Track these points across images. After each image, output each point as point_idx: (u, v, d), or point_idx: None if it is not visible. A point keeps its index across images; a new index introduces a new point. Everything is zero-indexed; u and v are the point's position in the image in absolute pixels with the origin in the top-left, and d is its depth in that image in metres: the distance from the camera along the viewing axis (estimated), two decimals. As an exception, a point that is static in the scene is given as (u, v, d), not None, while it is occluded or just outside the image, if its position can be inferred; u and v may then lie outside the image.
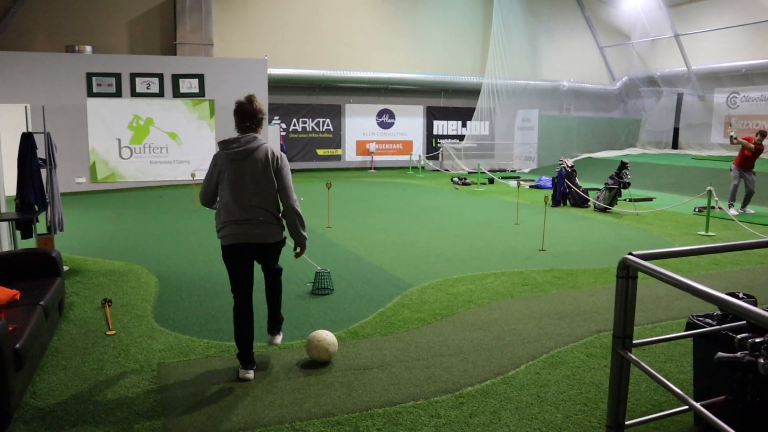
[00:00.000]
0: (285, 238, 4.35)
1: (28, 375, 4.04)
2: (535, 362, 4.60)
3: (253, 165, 4.10)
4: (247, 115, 4.18)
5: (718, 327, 3.24)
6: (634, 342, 2.75)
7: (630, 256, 2.59)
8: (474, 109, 23.51)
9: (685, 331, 3.67)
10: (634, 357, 2.63)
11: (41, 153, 7.23)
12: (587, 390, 4.11)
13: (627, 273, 2.64)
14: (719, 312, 3.56)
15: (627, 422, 2.87)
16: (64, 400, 3.90)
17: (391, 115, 23.50)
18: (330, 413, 3.75)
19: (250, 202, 4.10)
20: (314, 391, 4.05)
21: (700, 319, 3.57)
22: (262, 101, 4.34)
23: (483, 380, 4.26)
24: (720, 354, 2.76)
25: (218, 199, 4.26)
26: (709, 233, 10.04)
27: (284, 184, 4.21)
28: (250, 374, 4.23)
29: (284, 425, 3.61)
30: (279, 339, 4.54)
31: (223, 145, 4.17)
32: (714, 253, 2.84)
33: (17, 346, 3.64)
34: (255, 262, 4.37)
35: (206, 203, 4.35)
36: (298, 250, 4.42)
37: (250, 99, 4.20)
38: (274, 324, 4.52)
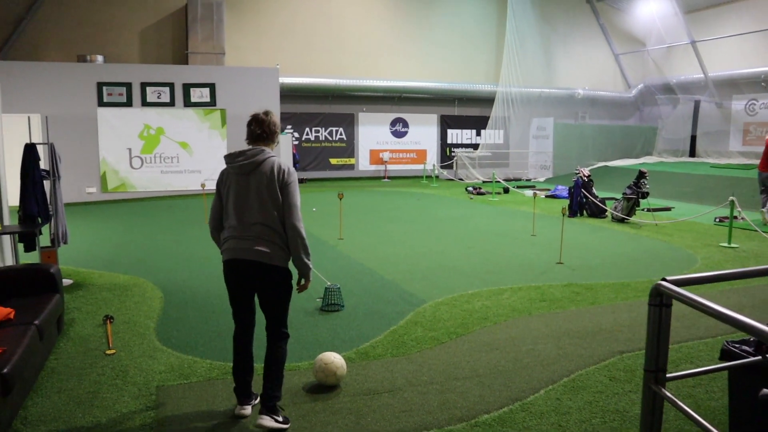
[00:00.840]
0: (291, 274, 3.81)
1: (18, 399, 3.84)
2: (555, 386, 4.33)
3: (258, 179, 3.73)
4: (259, 125, 3.86)
5: (760, 358, 2.96)
6: (667, 375, 2.50)
7: (664, 283, 2.34)
8: (488, 117, 23.26)
9: (720, 358, 3.39)
10: (669, 394, 2.38)
11: (45, 164, 7.09)
12: (611, 418, 3.84)
13: (660, 301, 2.39)
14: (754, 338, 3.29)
15: (660, 464, 2.61)
16: (56, 427, 3.69)
17: (405, 124, 23.30)
18: (336, 444, 3.51)
19: (253, 219, 3.72)
20: (320, 418, 3.81)
21: (736, 345, 3.29)
22: (277, 116, 3.98)
23: (500, 407, 4.00)
24: (765, 391, 2.50)
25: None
26: (732, 245, 9.70)
27: (288, 201, 3.74)
28: (247, 410, 3.88)
29: (287, 457, 3.37)
30: (268, 422, 3.60)
31: (229, 158, 3.85)
32: (755, 277, 2.60)
33: (5, 370, 3.44)
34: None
35: (214, 228, 3.95)
36: (302, 282, 3.85)
37: (266, 112, 3.93)
38: (266, 401, 3.69)
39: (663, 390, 2.39)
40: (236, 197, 3.78)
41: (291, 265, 3.77)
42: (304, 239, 3.74)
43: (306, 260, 3.76)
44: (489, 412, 3.93)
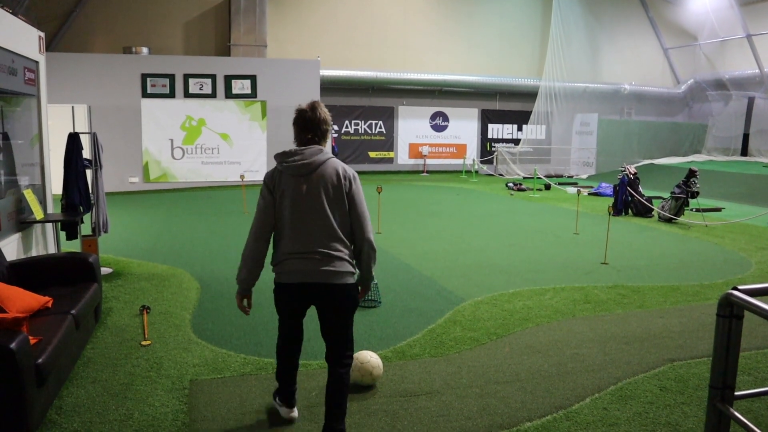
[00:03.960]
0: (357, 287, 3.40)
1: (54, 389, 3.81)
2: (601, 395, 4.11)
3: (319, 182, 3.22)
4: (309, 126, 3.35)
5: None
6: (736, 393, 2.29)
7: (736, 292, 2.13)
8: (530, 112, 22.81)
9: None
10: (737, 414, 2.17)
11: (88, 154, 7.13)
12: (663, 432, 3.62)
13: (731, 312, 2.18)
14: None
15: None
16: (89, 419, 3.65)
17: (445, 118, 23.03)
18: (371, 447, 3.37)
19: (316, 230, 3.21)
20: (355, 420, 3.68)
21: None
22: (324, 108, 3.46)
23: (543, 415, 3.81)
24: None
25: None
26: (789, 249, 9.25)
27: (358, 211, 3.27)
28: (295, 413, 3.64)
29: (320, 460, 3.25)
30: None
31: (281, 157, 3.31)
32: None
33: (39, 360, 3.40)
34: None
35: (259, 238, 3.34)
36: (359, 290, 3.45)
37: (312, 106, 3.39)
38: None
39: (731, 410, 2.19)
40: (293, 203, 3.22)
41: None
42: (375, 252, 3.35)
43: (372, 273, 3.42)
44: (531, 419, 3.74)
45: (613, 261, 8.21)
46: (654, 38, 25.52)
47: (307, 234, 3.22)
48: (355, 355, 4.16)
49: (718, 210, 13.71)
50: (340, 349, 3.36)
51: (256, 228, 3.33)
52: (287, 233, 3.25)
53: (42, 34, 6.94)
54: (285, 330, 3.54)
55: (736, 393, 2.26)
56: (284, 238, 3.27)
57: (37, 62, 6.78)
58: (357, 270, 3.38)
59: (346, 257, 3.27)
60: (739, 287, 2.16)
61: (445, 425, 3.65)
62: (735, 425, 3.50)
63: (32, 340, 3.53)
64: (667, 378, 4.41)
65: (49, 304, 4.39)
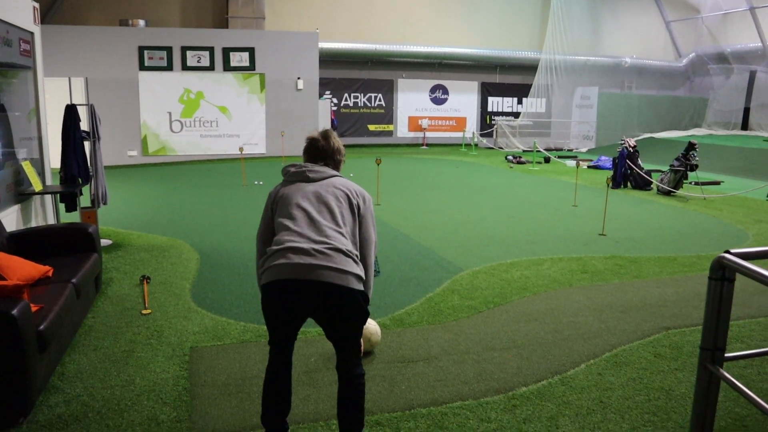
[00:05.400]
0: (368, 298, 2.93)
1: (56, 355, 3.86)
2: (596, 361, 4.17)
3: (329, 187, 2.93)
4: (321, 155, 3.06)
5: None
6: (726, 355, 2.32)
7: (728, 255, 2.15)
8: (530, 85, 22.68)
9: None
10: (727, 375, 2.21)
11: (85, 126, 7.11)
12: (656, 397, 3.67)
13: (723, 274, 2.21)
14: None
15: (712, 447, 2.45)
16: (92, 384, 3.70)
17: (445, 91, 22.90)
18: (370, 411, 3.42)
19: (320, 220, 2.82)
20: (353, 385, 3.73)
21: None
22: (340, 141, 3.18)
23: (539, 380, 3.87)
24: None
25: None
26: (786, 221, 9.28)
27: (365, 234, 2.96)
28: None
29: (319, 423, 3.31)
30: None
31: (289, 167, 3.05)
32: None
33: (41, 328, 3.44)
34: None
35: (263, 251, 2.98)
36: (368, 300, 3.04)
37: (325, 135, 3.10)
38: None
39: (720, 370, 2.23)
40: (296, 201, 2.88)
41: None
42: (372, 281, 3.02)
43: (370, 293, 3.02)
44: (527, 384, 3.80)
45: (611, 232, 8.25)
46: (656, 11, 25.26)
47: (309, 227, 2.80)
48: (354, 322, 4.19)
49: (717, 183, 13.71)
50: (349, 357, 2.92)
51: (259, 251, 3.03)
52: (284, 226, 2.84)
53: (36, 5, 6.88)
54: (279, 342, 2.91)
55: (726, 355, 2.30)
56: (280, 231, 2.86)
57: (32, 33, 6.72)
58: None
59: (353, 256, 2.80)
60: (732, 250, 2.19)
61: (442, 390, 3.71)
62: (725, 390, 3.57)
63: (33, 308, 3.57)
64: (661, 345, 4.46)
65: (50, 274, 4.42)
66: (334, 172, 3.03)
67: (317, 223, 2.80)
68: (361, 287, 2.81)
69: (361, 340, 4.07)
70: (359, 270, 2.82)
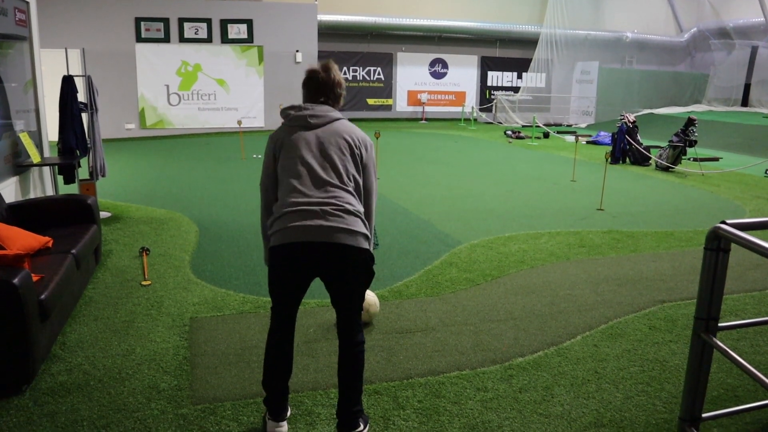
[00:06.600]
0: (373, 257, 2.91)
1: (57, 325, 3.89)
2: (592, 333, 4.22)
3: (332, 136, 2.83)
4: (321, 89, 2.93)
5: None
6: (719, 325, 2.36)
7: (724, 226, 2.18)
8: (530, 60, 22.51)
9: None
10: (720, 343, 2.25)
11: (82, 97, 7.07)
12: (650, 368, 3.72)
13: (718, 245, 2.24)
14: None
15: (704, 415, 2.50)
16: (93, 353, 3.74)
17: (444, 65, 22.73)
18: (368, 380, 3.48)
19: (326, 179, 2.76)
20: (352, 355, 3.78)
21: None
22: (340, 72, 3.03)
23: (535, 351, 3.92)
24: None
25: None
26: (784, 197, 9.31)
27: (366, 184, 2.92)
28: (284, 427, 2.97)
29: (318, 392, 3.36)
30: None
31: (288, 110, 2.92)
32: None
33: (42, 297, 3.47)
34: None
35: (268, 200, 2.93)
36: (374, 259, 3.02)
37: (326, 67, 2.97)
38: (349, 419, 2.90)
39: (714, 339, 2.27)
40: (299, 153, 2.79)
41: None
42: (374, 238, 2.96)
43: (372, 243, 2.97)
44: (523, 355, 3.85)
45: (609, 207, 8.27)
46: (658, -16, 25.00)
47: (316, 185, 2.75)
48: (352, 293, 4.22)
49: (716, 159, 13.71)
50: (352, 319, 2.91)
51: (264, 200, 2.97)
52: (289, 188, 2.78)
53: (32, -27, 6.79)
54: (283, 306, 2.90)
55: (719, 324, 2.34)
56: (285, 194, 2.79)
57: (27, 2, 6.65)
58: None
59: (360, 216, 2.80)
60: (727, 221, 2.21)
61: (439, 360, 3.75)
62: (717, 361, 3.62)
63: (34, 278, 3.59)
64: (656, 318, 4.51)
65: (50, 244, 4.44)
66: (335, 115, 2.90)
67: (323, 182, 2.76)
68: (368, 246, 2.83)
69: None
70: (366, 229, 2.82)
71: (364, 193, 2.92)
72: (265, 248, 2.99)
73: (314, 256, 2.73)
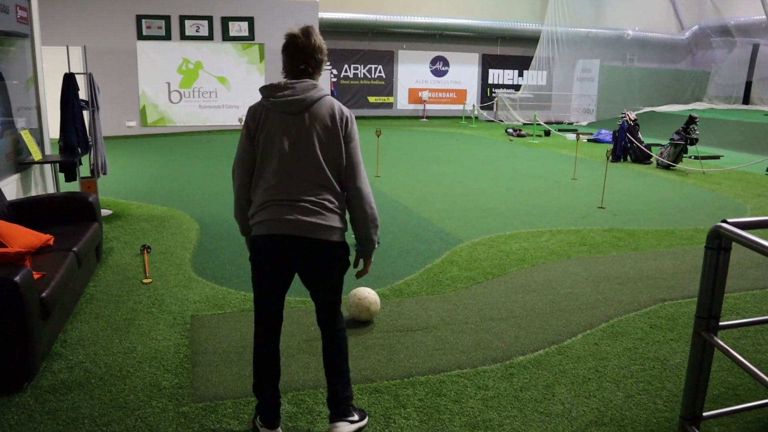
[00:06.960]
0: (348, 248, 2.87)
1: (58, 323, 3.90)
2: (593, 331, 4.22)
3: (312, 122, 2.71)
4: (301, 54, 2.80)
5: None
6: (720, 323, 2.36)
7: (725, 224, 2.18)
8: (531, 58, 22.50)
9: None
10: (721, 342, 2.25)
11: (84, 95, 7.07)
12: (651, 366, 3.73)
13: (719, 244, 2.24)
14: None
15: (705, 414, 2.50)
16: (94, 351, 3.75)
17: (445, 63, 22.72)
18: (369, 379, 3.48)
19: (303, 176, 2.70)
20: (353, 353, 3.78)
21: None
22: (321, 38, 2.95)
23: (536, 349, 3.92)
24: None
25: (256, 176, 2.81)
26: (785, 195, 9.30)
27: (353, 158, 2.76)
28: None
29: (318, 390, 3.36)
30: (347, 428, 2.90)
31: (268, 91, 2.77)
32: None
33: (43, 294, 3.47)
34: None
35: (242, 185, 2.82)
36: (361, 264, 2.96)
37: (306, 31, 2.85)
38: (338, 406, 2.91)
39: (715, 338, 2.27)
40: (279, 146, 2.70)
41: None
42: (373, 209, 2.81)
43: (373, 236, 2.85)
44: (524, 353, 3.85)
45: (610, 205, 8.27)
46: (659, -18, 24.97)
47: (291, 180, 2.70)
48: (354, 291, 4.25)
49: (717, 158, 13.70)
50: (331, 309, 2.92)
51: (238, 174, 2.84)
52: (267, 178, 2.73)
53: (34, -29, 6.79)
54: (266, 305, 2.88)
55: (720, 323, 2.34)
56: (264, 184, 2.74)
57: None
58: (354, 235, 2.89)
59: (338, 211, 2.77)
60: (728, 220, 2.21)
61: (440, 359, 3.76)
62: (718, 360, 3.62)
63: (36, 275, 3.59)
64: (657, 316, 4.51)
65: (51, 242, 4.44)
66: (316, 95, 2.75)
67: (300, 176, 2.70)
68: (343, 240, 2.82)
69: (360, 308, 4.14)
70: (342, 224, 2.79)
71: (349, 167, 2.78)
72: (242, 228, 2.97)
73: (293, 250, 2.73)
